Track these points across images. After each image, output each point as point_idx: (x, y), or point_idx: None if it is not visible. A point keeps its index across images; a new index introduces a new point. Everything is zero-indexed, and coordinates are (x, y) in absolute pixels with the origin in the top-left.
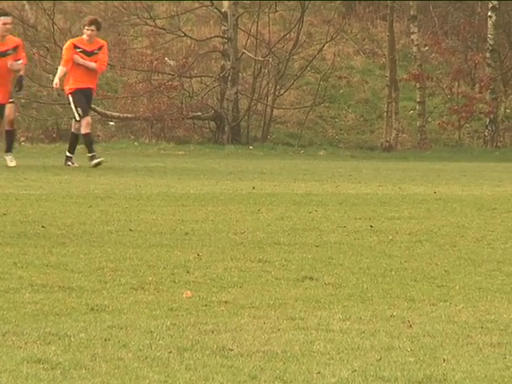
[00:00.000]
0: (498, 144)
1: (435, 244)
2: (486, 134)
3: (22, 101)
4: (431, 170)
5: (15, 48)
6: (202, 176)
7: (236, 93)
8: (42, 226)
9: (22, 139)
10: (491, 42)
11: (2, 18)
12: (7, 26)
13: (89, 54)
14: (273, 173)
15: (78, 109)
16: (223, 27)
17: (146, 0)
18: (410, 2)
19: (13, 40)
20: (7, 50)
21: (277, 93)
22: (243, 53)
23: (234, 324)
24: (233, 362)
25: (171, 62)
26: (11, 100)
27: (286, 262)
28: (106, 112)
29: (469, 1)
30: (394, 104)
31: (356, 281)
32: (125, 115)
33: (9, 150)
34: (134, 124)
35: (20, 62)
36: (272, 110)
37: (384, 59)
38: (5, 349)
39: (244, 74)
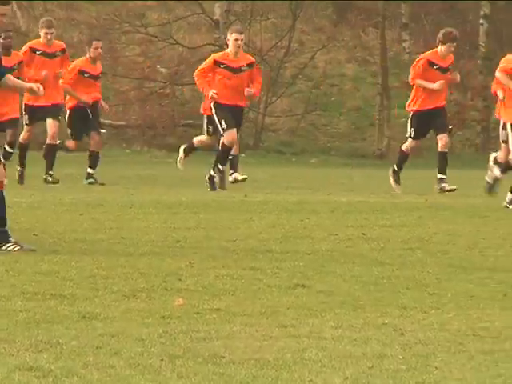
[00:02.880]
0: (491, 151)
1: (427, 252)
2: (478, 141)
3: None
4: (423, 177)
5: None
6: (194, 183)
7: None
8: (34, 234)
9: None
10: (483, 50)
11: None
12: None
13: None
14: (265, 180)
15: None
16: (215, 35)
17: (138, 0)
18: (402, 10)
19: None
20: None
21: (268, 100)
22: None
23: (225, 332)
24: (225, 369)
25: (163, 70)
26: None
27: (277, 270)
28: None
29: (460, 8)
30: (385, 112)
31: (348, 288)
32: (117, 123)
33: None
34: (126, 132)
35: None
36: (264, 118)
37: (376, 67)
38: None
39: None
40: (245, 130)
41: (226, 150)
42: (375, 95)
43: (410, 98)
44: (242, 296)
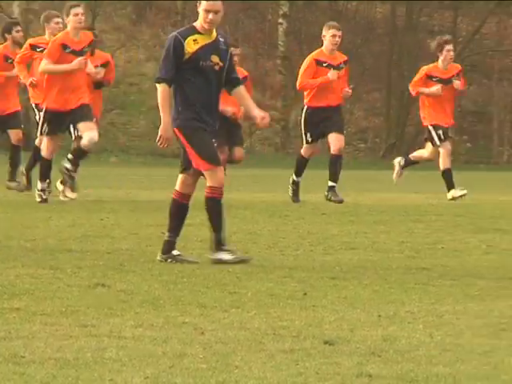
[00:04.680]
0: (290, 151)
1: None
2: (278, 140)
3: None
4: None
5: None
6: None
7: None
8: None
9: None
10: (282, 49)
11: None
12: None
13: None
14: None
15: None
16: None
17: None
18: None
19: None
20: None
21: None
22: None
23: (25, 331)
24: (25, 369)
25: None
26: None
27: (77, 269)
28: None
29: (259, 7)
30: None
31: (148, 287)
32: None
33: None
34: None
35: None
36: None
37: None
38: None
39: None
40: None
41: (304, 161)
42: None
43: None
44: (42, 295)
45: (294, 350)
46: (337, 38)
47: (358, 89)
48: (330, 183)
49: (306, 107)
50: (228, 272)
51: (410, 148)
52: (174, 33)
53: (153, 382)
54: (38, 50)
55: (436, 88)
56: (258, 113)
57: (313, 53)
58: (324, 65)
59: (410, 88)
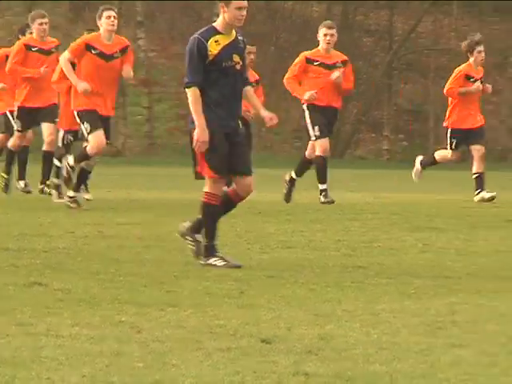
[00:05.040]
0: None
1: (164, 249)
2: None
3: None
4: (160, 175)
5: None
6: None
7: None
8: None
9: None
10: None
11: None
12: None
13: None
14: None
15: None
16: None
17: None
18: (138, 8)
19: None
20: None
21: None
22: None
23: None
24: None
25: None
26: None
27: (14, 268)
28: None
29: (196, 6)
30: (121, 109)
31: (85, 286)
32: None
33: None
34: None
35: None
36: None
37: None
38: None
39: None
40: None
41: (322, 161)
42: None
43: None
44: None
45: (231, 349)
46: (328, 37)
47: None
48: (322, 186)
49: (305, 106)
50: (165, 271)
51: (346, 146)
52: (195, 35)
53: (90, 380)
54: (33, 49)
55: (476, 85)
56: (266, 114)
57: (309, 51)
58: (315, 63)
59: (447, 93)
